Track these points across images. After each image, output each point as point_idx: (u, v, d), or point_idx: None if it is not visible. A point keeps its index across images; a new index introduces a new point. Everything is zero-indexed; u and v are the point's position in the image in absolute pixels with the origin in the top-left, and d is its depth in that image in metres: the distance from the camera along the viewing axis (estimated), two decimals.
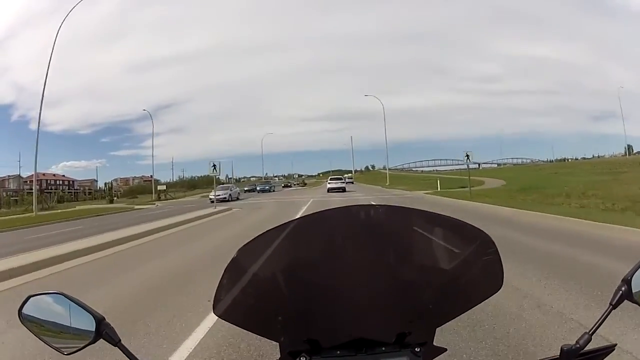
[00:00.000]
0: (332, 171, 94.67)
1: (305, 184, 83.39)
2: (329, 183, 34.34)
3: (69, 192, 63.87)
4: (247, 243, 0.65)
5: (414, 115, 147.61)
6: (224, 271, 0.65)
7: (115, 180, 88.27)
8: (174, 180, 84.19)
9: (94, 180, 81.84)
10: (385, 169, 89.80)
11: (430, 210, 0.70)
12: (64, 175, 71.63)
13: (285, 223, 0.67)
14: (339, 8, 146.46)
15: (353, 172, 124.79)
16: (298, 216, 0.68)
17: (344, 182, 34.49)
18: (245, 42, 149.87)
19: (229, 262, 0.65)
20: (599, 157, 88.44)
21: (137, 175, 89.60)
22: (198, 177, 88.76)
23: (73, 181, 73.28)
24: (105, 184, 79.86)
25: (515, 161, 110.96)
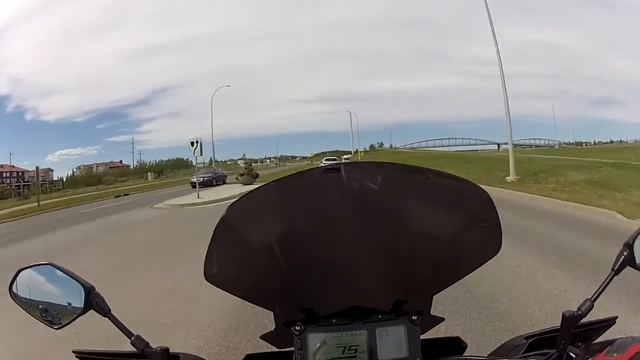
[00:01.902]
0: (330, 152, 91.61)
1: (276, 165, 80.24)
2: (323, 163, 36.62)
3: (16, 186, 53.73)
4: (237, 200, 0.61)
5: (414, 97, 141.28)
6: (214, 231, 0.62)
7: (79, 167, 78.79)
8: (135, 165, 75.96)
9: (49, 169, 71.32)
10: (393, 147, 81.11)
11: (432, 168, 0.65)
12: (13, 166, 61.36)
13: (276, 180, 0.63)
14: None
15: (353, 152, 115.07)
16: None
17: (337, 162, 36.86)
18: (242, 29, 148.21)
19: (218, 221, 0.61)
20: (611, 142, 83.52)
21: (105, 161, 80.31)
22: (166, 160, 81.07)
23: (23, 172, 62.65)
24: (73, 171, 70.63)
25: (530, 142, 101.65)
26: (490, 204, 0.66)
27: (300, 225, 0.66)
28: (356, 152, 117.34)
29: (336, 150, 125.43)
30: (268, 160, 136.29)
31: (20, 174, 60.68)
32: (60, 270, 0.69)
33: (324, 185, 0.65)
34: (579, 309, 0.64)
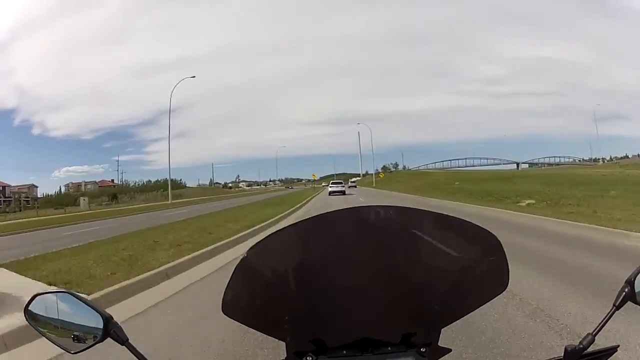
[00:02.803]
0: (337, 174, 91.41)
1: (286, 188, 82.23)
2: (330, 187, 37.82)
3: None
4: (258, 243, 0.65)
5: (418, 117, 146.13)
6: (234, 270, 0.65)
7: (67, 185, 75.30)
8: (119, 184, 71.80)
9: (33, 185, 67.46)
10: (406, 169, 75.65)
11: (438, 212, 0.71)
12: None
13: (295, 223, 0.67)
14: (342, 11, 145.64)
15: (362, 175, 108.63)
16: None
17: (343, 186, 38.35)
18: (248, 46, 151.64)
19: (239, 261, 0.65)
20: (627, 157, 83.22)
21: (92, 180, 76.97)
22: (155, 181, 78.18)
23: (4, 187, 58.67)
24: (60, 189, 66.49)
25: (545, 160, 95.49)
26: (497, 244, 0.69)
27: (314, 259, 0.69)
28: (365, 174, 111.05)
29: (343, 173, 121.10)
30: (272, 184, 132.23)
31: (1, 188, 56.68)
32: (79, 299, 0.70)
33: (339, 222, 0.69)
34: (580, 342, 0.66)
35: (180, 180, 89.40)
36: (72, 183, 77.56)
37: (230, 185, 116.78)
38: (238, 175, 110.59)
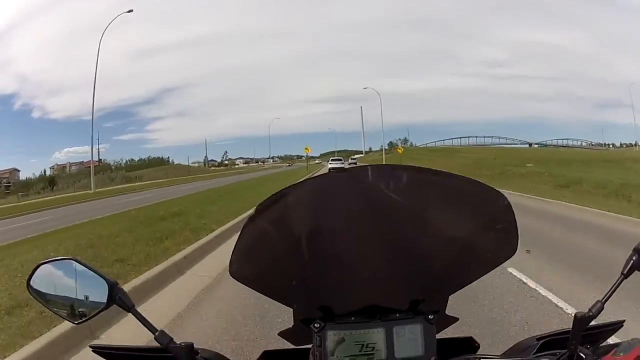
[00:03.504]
0: (338, 151, 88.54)
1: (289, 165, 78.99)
2: (329, 163, 39.02)
3: None
4: (266, 200, 0.63)
5: (420, 99, 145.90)
6: (242, 229, 0.63)
7: (52, 167, 69.60)
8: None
9: (15, 169, 61.34)
10: (413, 145, 69.82)
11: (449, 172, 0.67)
12: None
13: (302, 182, 0.65)
14: None
15: (364, 152, 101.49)
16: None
17: (343, 163, 38.42)
18: (249, 29, 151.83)
19: (246, 219, 0.63)
20: (637, 144, 76.50)
21: (77, 161, 71.22)
22: (138, 160, 71.83)
23: None
24: (45, 171, 60.86)
25: (554, 142, 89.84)
26: (507, 207, 0.67)
27: (322, 224, 0.67)
28: (369, 151, 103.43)
29: (345, 150, 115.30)
30: (271, 160, 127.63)
31: None
32: (83, 265, 0.68)
33: (348, 185, 0.67)
34: (589, 310, 0.65)
35: (168, 158, 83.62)
36: (57, 165, 72.12)
37: (226, 162, 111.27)
38: (226, 152, 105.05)
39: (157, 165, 75.13)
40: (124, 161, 76.90)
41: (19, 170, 62.77)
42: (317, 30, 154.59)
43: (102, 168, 65.84)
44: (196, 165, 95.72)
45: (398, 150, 38.95)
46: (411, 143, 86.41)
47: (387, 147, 75.87)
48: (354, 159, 65.92)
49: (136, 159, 78.59)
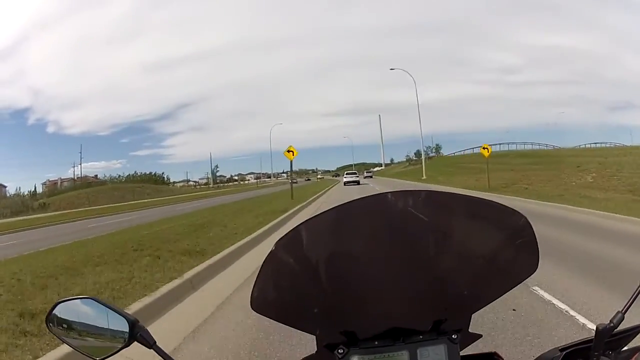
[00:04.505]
0: (355, 164, 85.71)
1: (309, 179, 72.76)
2: (344, 177, 39.27)
3: None
4: (285, 235, 0.64)
5: (434, 107, 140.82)
6: (262, 265, 0.64)
7: (44, 183, 65.97)
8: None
9: (1, 185, 57.57)
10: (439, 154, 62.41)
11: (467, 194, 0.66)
12: None
13: (322, 213, 0.65)
14: (358, 2, 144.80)
15: (384, 164, 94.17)
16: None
17: (357, 177, 39.10)
18: (263, 39, 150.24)
19: (266, 255, 0.63)
20: None
21: (69, 177, 67.44)
22: (132, 175, 66.36)
23: None
24: (35, 187, 57.31)
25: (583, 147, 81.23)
26: (526, 224, 0.68)
27: (342, 251, 0.67)
28: (390, 163, 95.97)
29: (363, 163, 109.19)
30: (285, 175, 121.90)
31: None
32: (103, 304, 0.68)
33: (367, 211, 0.67)
34: (610, 321, 0.66)
35: (163, 174, 78.53)
36: (49, 181, 68.37)
37: (235, 178, 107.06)
38: (216, 166, 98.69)
39: (152, 183, 69.16)
40: (122, 177, 71.99)
41: (5, 186, 59.04)
42: (332, 39, 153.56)
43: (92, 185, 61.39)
44: (189, 182, 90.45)
45: (484, 151, 19.50)
46: (437, 152, 79.10)
47: (414, 157, 68.99)
48: (369, 172, 60.32)
49: (125, 174, 73.59)
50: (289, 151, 18.10)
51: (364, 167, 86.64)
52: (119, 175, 73.20)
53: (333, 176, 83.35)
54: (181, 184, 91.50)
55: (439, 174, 35.42)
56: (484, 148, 20.18)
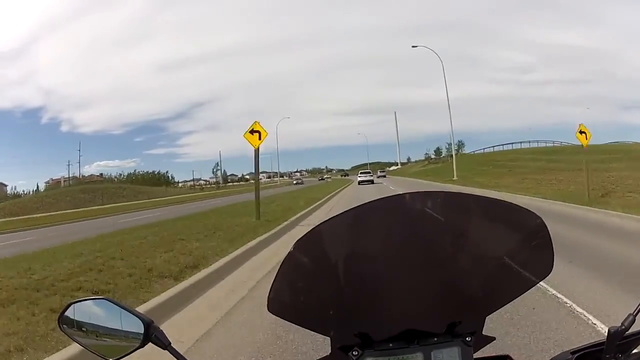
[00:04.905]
0: (370, 163, 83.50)
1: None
2: (359, 177, 38.32)
3: None
4: (303, 236, 0.64)
5: (444, 107, 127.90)
6: (280, 267, 0.64)
7: (47, 182, 63.96)
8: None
9: (2, 184, 55.91)
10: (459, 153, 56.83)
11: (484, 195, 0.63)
12: None
13: (340, 214, 0.65)
14: (370, 1, 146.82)
15: (400, 163, 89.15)
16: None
17: (372, 176, 39.41)
18: (275, 39, 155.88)
19: (285, 256, 0.64)
20: None
21: (85, 175, 65.41)
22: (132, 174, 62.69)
23: None
24: (37, 186, 55.28)
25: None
26: (542, 225, 0.67)
27: (359, 252, 0.67)
28: (407, 161, 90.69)
29: (378, 162, 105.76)
30: (298, 174, 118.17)
31: None
32: (117, 305, 0.68)
33: (384, 212, 0.67)
34: (622, 323, 0.66)
35: (167, 173, 74.43)
36: (52, 180, 66.33)
37: (247, 177, 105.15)
38: (216, 164, 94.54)
39: (154, 182, 65.72)
40: (123, 176, 69.39)
41: (5, 185, 57.32)
42: (343, 39, 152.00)
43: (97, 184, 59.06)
44: (199, 181, 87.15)
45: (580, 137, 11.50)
46: (458, 150, 73.07)
47: (433, 155, 63.90)
48: (383, 171, 56.95)
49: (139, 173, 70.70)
50: (253, 132, 10.11)
51: (379, 166, 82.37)
52: (120, 174, 70.73)
53: (342, 176, 79.45)
54: (191, 182, 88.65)
55: (474, 174, 29.22)
56: (580, 132, 11.50)
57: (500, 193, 15.14)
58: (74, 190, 52.05)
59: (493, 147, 58.34)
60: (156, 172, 72.87)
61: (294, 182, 68.58)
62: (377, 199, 0.65)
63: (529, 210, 0.67)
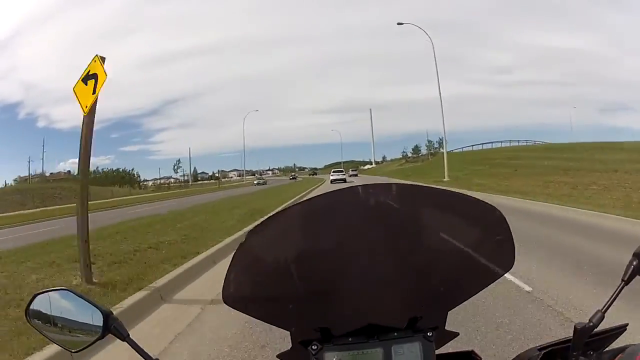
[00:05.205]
0: (344, 162, 77.57)
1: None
2: (331, 175, 37.76)
3: None
4: (257, 226, 0.63)
5: (426, 106, 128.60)
6: (233, 257, 0.63)
7: (15, 179, 57.79)
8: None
9: None
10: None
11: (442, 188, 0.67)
12: None
13: (295, 205, 0.65)
14: (353, 2, 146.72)
15: (374, 162, 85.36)
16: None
17: (344, 174, 39.01)
18: (258, 37, 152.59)
19: (238, 246, 0.63)
20: None
21: (53, 172, 59.29)
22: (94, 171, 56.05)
23: None
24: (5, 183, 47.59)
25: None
26: (502, 221, 0.67)
27: (316, 246, 0.67)
28: (382, 161, 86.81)
29: (352, 161, 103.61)
30: (270, 172, 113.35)
31: None
32: (78, 296, 0.69)
33: (341, 204, 0.66)
34: (590, 320, 0.64)
35: (132, 170, 65.63)
36: (20, 177, 61.82)
37: (217, 175, 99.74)
38: (178, 160, 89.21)
39: (118, 180, 58.06)
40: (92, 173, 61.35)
41: None
42: (323, 37, 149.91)
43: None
44: (169, 180, 79.95)
45: None
46: (437, 149, 68.75)
47: (411, 154, 59.29)
48: (355, 170, 55.24)
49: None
50: (88, 79, 4.34)
51: (352, 165, 77.99)
52: (96, 170, 62.74)
53: (310, 175, 76.31)
54: (162, 180, 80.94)
55: (469, 174, 25.00)
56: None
57: (550, 205, 9.76)
58: (24, 188, 46.54)
59: (472, 146, 54.46)
60: (121, 170, 64.07)
61: (255, 182, 57.29)
62: (331, 192, 0.64)
63: (488, 204, 0.66)
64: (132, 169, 67.46)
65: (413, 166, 47.71)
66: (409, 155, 60.91)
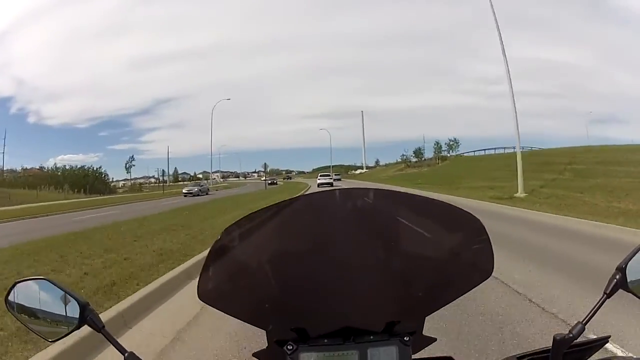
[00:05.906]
0: (334, 166, 76.05)
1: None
2: (318, 179, 38.37)
3: None
4: (233, 224, 0.63)
5: (414, 115, 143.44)
6: (209, 253, 0.63)
7: None
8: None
9: None
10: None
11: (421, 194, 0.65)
12: None
13: (273, 205, 0.65)
14: (343, 10, 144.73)
15: (365, 167, 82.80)
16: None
17: (331, 179, 39.82)
18: (247, 41, 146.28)
19: (213, 243, 0.63)
20: None
21: (27, 166, 56.95)
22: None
23: None
24: None
25: None
26: (481, 228, 0.67)
27: (293, 246, 0.67)
28: (375, 165, 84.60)
29: (341, 165, 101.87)
30: (255, 175, 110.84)
31: None
32: (56, 286, 0.69)
33: (319, 207, 0.67)
34: (570, 332, 0.64)
35: (100, 168, 57.76)
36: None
37: (199, 176, 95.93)
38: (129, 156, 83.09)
39: (88, 180, 51.80)
40: (58, 169, 56.32)
41: None
42: (315, 44, 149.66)
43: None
44: (149, 180, 75.18)
45: None
46: (450, 151, 64.82)
47: (412, 158, 56.12)
48: (338, 174, 54.63)
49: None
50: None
51: (342, 169, 74.21)
52: (57, 168, 56.97)
53: (285, 179, 76.81)
54: (142, 180, 76.26)
55: (549, 186, 16.78)
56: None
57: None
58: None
59: (474, 151, 52.70)
60: (86, 168, 57.85)
61: (184, 190, 34.54)
62: (308, 194, 0.63)
63: (467, 212, 0.66)
64: (100, 167, 58.89)
65: (418, 172, 42.95)
66: (410, 159, 56.20)
